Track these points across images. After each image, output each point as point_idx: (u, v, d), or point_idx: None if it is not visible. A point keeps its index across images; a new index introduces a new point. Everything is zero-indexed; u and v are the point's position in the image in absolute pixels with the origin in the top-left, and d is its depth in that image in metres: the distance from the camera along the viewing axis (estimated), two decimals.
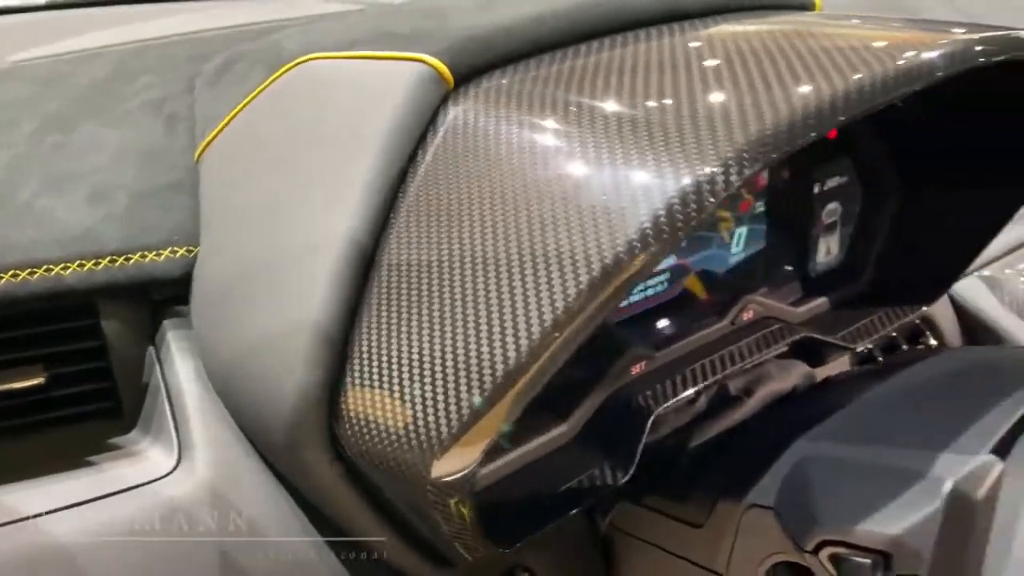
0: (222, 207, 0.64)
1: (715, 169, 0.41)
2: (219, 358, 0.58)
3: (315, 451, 0.51)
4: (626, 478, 0.58)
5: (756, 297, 0.72)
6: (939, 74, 0.54)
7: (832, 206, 0.78)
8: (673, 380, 0.64)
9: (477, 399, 0.43)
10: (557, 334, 0.42)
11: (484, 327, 0.43)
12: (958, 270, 0.77)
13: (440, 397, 0.44)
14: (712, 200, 0.40)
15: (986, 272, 0.91)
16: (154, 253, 0.63)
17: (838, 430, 0.55)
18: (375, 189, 0.50)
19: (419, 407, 0.44)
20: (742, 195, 0.75)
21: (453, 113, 0.52)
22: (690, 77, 0.49)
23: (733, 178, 0.41)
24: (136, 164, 0.68)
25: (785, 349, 0.71)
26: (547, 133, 0.48)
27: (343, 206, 0.50)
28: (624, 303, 0.70)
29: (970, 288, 0.89)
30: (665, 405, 0.62)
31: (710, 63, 0.51)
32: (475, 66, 0.54)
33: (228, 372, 0.57)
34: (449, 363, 0.44)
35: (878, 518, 0.48)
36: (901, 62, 0.52)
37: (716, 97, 0.46)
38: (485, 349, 0.43)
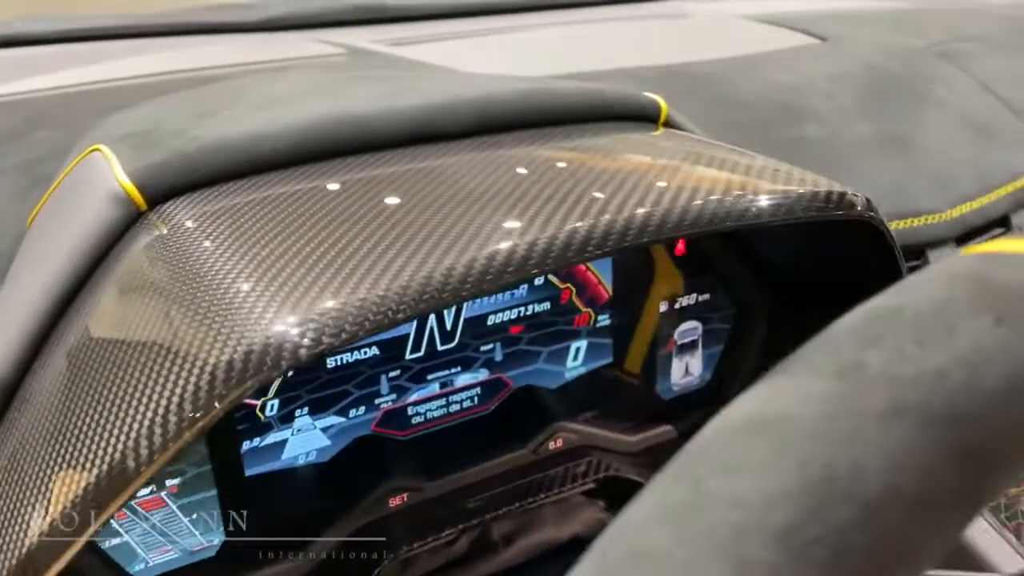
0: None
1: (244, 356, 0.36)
2: None
3: None
4: None
5: (571, 424, 0.66)
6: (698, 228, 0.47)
7: (688, 325, 0.70)
8: (436, 517, 0.59)
9: None
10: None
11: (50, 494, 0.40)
12: None
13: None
14: (240, 391, 0.36)
15: None
16: None
17: None
18: (34, 317, 0.47)
19: None
20: (578, 308, 0.68)
21: (142, 241, 0.48)
22: (352, 226, 0.44)
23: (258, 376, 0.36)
24: None
25: (592, 486, 0.64)
26: (191, 284, 0.43)
27: (5, 330, 0.48)
28: (419, 419, 0.65)
29: None
30: (408, 550, 0.57)
31: (388, 207, 0.46)
32: (176, 187, 0.50)
33: None
34: (17, 529, 0.41)
35: None
36: (653, 211, 0.46)
37: (350, 256, 0.41)
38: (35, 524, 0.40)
